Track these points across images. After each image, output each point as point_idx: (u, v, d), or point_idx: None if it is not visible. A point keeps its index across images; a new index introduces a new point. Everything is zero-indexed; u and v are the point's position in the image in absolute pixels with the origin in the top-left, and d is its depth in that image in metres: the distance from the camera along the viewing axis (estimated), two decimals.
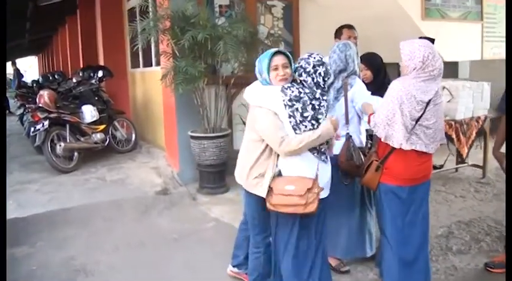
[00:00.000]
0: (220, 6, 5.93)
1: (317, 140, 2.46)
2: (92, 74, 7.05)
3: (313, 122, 2.48)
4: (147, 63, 7.18)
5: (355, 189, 3.17)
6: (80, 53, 10.60)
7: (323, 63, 2.52)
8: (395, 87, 2.60)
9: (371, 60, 3.43)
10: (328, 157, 2.63)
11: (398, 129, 2.57)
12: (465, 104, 5.07)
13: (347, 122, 3.01)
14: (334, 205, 3.21)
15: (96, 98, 6.83)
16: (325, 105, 2.54)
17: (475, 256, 3.46)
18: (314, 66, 2.50)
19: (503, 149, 3.13)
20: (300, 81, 2.52)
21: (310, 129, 2.47)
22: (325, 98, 2.55)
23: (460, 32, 6.57)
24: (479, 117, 5.23)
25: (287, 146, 2.43)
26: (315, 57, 2.53)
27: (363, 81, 3.43)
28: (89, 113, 6.44)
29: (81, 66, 9.14)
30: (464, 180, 5.48)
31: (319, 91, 2.51)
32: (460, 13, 6.55)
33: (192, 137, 5.18)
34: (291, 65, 2.56)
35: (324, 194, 2.56)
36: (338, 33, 4.12)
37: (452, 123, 5.01)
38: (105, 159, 6.60)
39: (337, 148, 3.01)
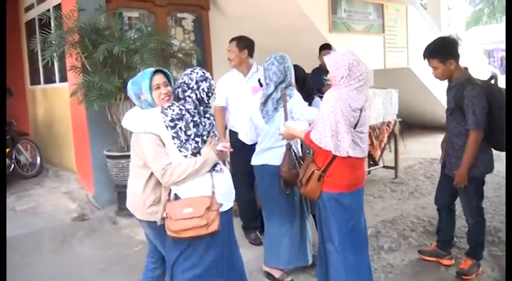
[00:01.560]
0: (129, 18, 5.73)
1: (203, 168, 2.39)
2: None
3: (197, 139, 2.41)
4: (50, 80, 6.64)
5: (295, 198, 3.18)
6: None
7: (206, 79, 2.47)
8: (331, 97, 2.62)
9: (295, 73, 3.44)
10: (223, 166, 2.57)
11: (343, 138, 2.60)
12: (377, 110, 5.39)
13: None
14: (275, 215, 3.20)
15: None
16: (208, 123, 2.48)
17: (406, 252, 3.65)
18: (197, 82, 2.45)
19: None
20: (184, 97, 2.44)
21: (195, 148, 2.40)
22: (207, 115, 2.50)
23: (364, 44, 7.03)
24: (389, 122, 5.61)
25: (170, 177, 2.35)
26: (197, 73, 2.48)
27: None
28: None
29: None
30: (378, 181, 5.80)
31: (201, 108, 2.46)
32: (363, 26, 7.02)
33: (109, 156, 4.87)
34: (170, 83, 2.50)
35: (226, 206, 2.48)
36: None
37: None
38: (11, 186, 5.94)
39: (278, 157, 2.99)
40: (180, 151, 2.38)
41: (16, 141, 6.32)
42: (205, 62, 6.42)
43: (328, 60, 2.68)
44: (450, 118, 3.18)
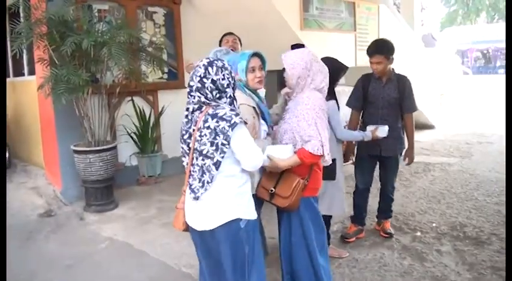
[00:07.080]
0: (99, 11, 5.63)
1: None
2: None
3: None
4: (18, 73, 6.50)
5: None
6: None
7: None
8: (307, 100, 2.49)
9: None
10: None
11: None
12: (346, 108, 5.43)
13: None
14: None
15: None
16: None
17: (371, 247, 3.72)
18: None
19: None
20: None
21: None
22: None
23: (336, 41, 7.10)
24: None
25: None
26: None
27: None
28: None
29: None
30: (348, 177, 5.75)
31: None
32: (335, 24, 7.09)
33: (76, 151, 4.79)
34: (264, 67, 2.56)
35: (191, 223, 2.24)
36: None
37: None
38: None
39: None
40: None
41: None
42: (176, 57, 6.38)
43: (285, 59, 2.57)
44: (389, 108, 3.64)
